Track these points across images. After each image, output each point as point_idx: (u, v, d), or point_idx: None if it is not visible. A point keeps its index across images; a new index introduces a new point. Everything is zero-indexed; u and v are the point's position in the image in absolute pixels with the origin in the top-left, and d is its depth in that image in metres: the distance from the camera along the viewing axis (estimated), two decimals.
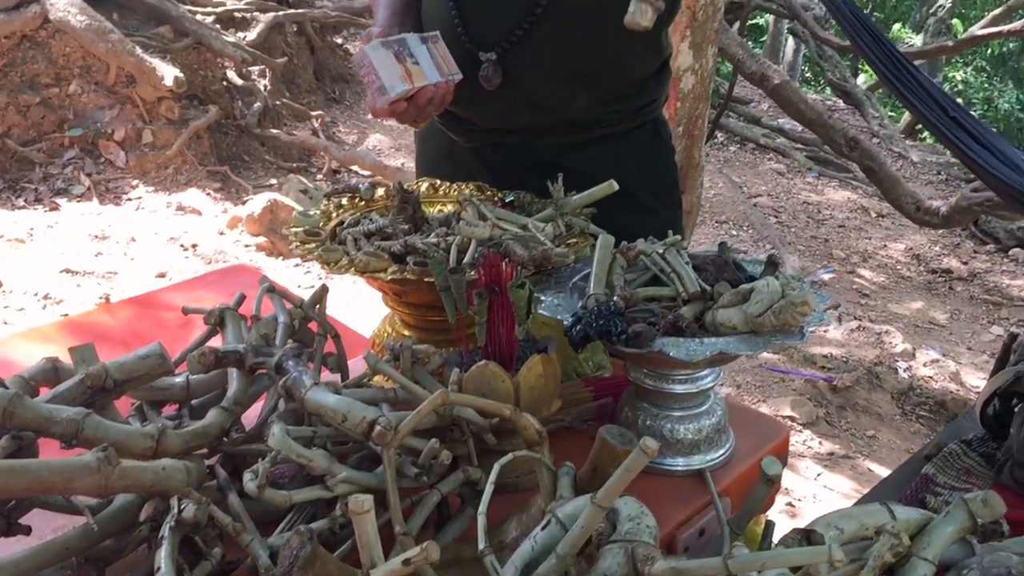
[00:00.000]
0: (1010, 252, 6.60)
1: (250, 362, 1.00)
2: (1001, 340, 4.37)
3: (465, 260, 1.15)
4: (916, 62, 6.40)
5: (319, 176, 5.41)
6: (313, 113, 5.94)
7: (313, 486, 0.89)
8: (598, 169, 1.39)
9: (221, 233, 4.26)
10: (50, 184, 4.60)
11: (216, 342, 1.09)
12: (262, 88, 5.52)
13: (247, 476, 0.86)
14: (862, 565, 0.83)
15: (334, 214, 1.33)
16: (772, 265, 1.14)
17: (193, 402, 1.09)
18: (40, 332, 1.57)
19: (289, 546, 0.72)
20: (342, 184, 1.38)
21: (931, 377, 3.93)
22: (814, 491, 2.98)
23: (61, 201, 4.55)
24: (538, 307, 1.09)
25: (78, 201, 4.59)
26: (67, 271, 3.83)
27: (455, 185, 1.44)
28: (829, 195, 7.88)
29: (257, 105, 5.34)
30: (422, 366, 1.08)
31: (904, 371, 3.95)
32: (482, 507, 0.82)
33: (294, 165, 5.42)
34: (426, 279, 1.10)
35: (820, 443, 3.29)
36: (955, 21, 12.27)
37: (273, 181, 5.08)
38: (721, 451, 1.15)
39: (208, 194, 4.69)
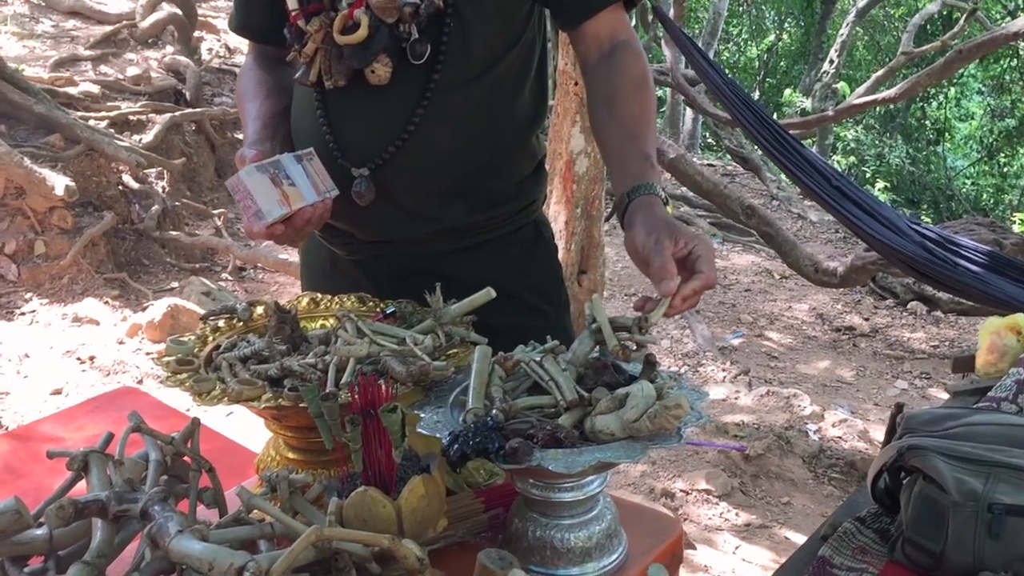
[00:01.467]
0: (908, 305, 6.83)
1: (113, 510, 0.96)
2: (906, 393, 4.46)
3: (343, 380, 1.13)
4: (803, 130, 6.67)
5: (224, 275, 5.33)
6: (215, 212, 5.88)
7: None
8: (481, 274, 1.40)
9: (120, 342, 4.14)
10: None
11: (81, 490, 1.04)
12: (160, 190, 5.45)
13: None
14: None
15: (210, 338, 1.30)
16: (650, 365, 1.15)
17: (60, 553, 1.04)
18: None
19: None
20: (219, 306, 1.35)
21: (840, 437, 4.01)
22: (733, 565, 2.98)
23: None
24: (416, 426, 1.07)
25: None
26: None
27: (336, 298, 1.42)
28: (734, 260, 8.08)
29: (155, 208, 5.26)
30: (301, 496, 1.05)
31: (814, 433, 4.01)
32: None
33: (197, 266, 5.33)
34: (301, 405, 1.07)
35: (737, 514, 3.30)
36: (841, 84, 12.86)
37: (175, 284, 4.98)
38: (614, 556, 1.13)
39: (106, 303, 4.56)
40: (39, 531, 1.01)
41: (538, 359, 1.12)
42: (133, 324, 4.20)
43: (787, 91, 15.21)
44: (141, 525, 1.01)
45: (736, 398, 4.43)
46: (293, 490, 1.04)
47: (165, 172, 5.63)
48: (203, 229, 5.68)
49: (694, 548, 3.04)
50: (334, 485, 1.06)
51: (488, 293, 1.30)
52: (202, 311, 4.12)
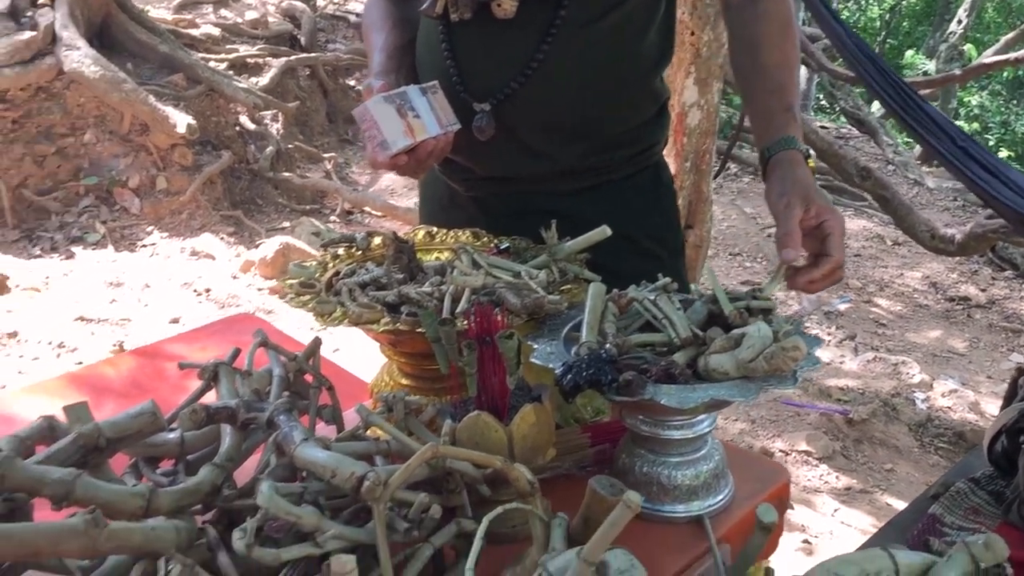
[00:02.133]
0: None
1: (242, 417, 1.01)
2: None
3: (459, 309, 1.15)
4: (927, 91, 6.40)
5: (332, 218, 5.45)
6: (325, 155, 6.00)
7: (304, 543, 0.89)
8: (598, 215, 1.39)
9: (234, 277, 4.29)
10: (66, 232, 4.65)
11: (213, 396, 1.10)
12: (274, 132, 5.58)
13: (236, 535, 0.86)
14: None
15: (330, 265, 1.34)
16: (766, 311, 1.14)
17: (189, 457, 1.10)
18: (44, 386, 1.58)
19: None
20: (339, 234, 1.39)
21: (950, 408, 3.89)
22: (831, 527, 2.94)
23: (76, 249, 4.61)
24: (530, 356, 1.09)
25: (93, 249, 4.64)
26: (82, 319, 3.86)
27: (452, 232, 1.44)
28: (845, 224, 7.85)
29: (270, 149, 5.39)
30: (415, 417, 1.08)
31: (922, 402, 3.90)
32: (469, 563, 0.82)
33: (307, 207, 5.46)
34: (419, 330, 1.10)
35: (837, 478, 3.25)
36: (968, 46, 12.27)
37: (286, 224, 5.12)
38: (720, 497, 1.14)
39: (221, 238, 4.73)
40: (171, 435, 1.06)
41: (652, 297, 1.12)
42: (246, 260, 4.34)
43: (909, 53, 14.61)
44: (266, 434, 1.06)
45: (841, 363, 4.33)
46: (408, 411, 1.07)
47: (279, 115, 5.76)
48: (314, 172, 5.81)
49: (792, 507, 3.01)
50: (447, 409, 1.09)
51: (603, 231, 1.30)
52: (312, 250, 4.24)
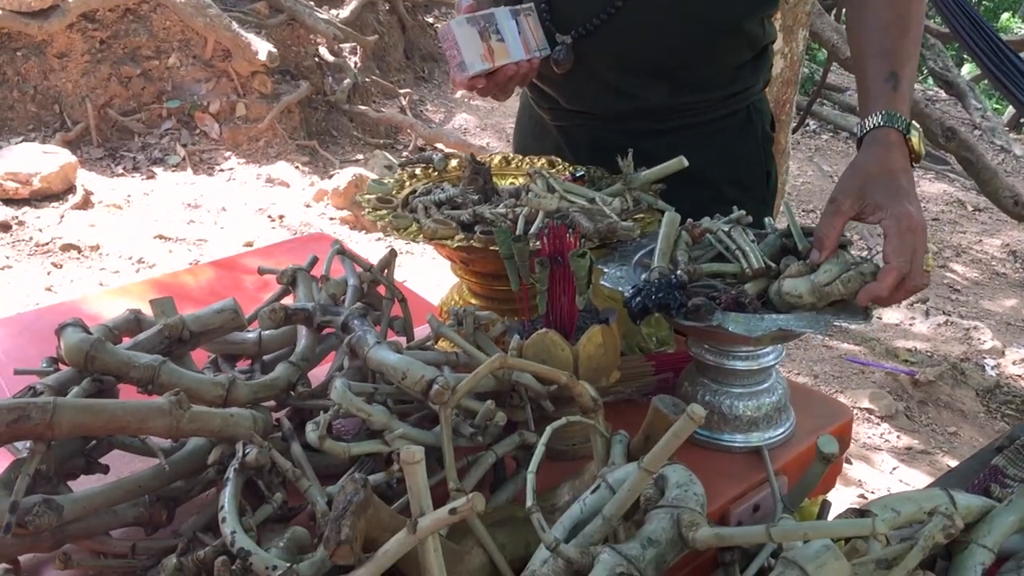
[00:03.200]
0: None
1: (318, 320, 1.04)
2: None
3: (531, 231, 1.16)
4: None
5: (405, 153, 5.48)
6: (401, 91, 6.02)
7: (372, 440, 0.92)
8: (684, 156, 1.33)
9: (307, 206, 4.36)
10: (148, 153, 4.77)
11: (288, 302, 1.13)
12: (352, 65, 5.61)
13: (309, 427, 0.90)
14: (912, 545, 0.82)
15: (407, 183, 1.36)
16: (842, 247, 1.13)
17: (264, 358, 1.14)
18: (128, 290, 1.65)
19: (344, 492, 0.75)
20: (417, 155, 1.41)
21: (1020, 375, 3.81)
22: (888, 484, 2.92)
23: (157, 170, 4.72)
24: (600, 278, 1.10)
25: (173, 171, 4.75)
26: (160, 237, 3.97)
27: (528, 158, 1.45)
28: (924, 187, 7.65)
29: (347, 81, 5.43)
30: (484, 332, 1.10)
31: (992, 368, 3.83)
32: (532, 466, 0.84)
33: (380, 142, 5.50)
34: (491, 248, 1.12)
35: (898, 437, 3.22)
36: None
37: (360, 156, 5.17)
38: (780, 430, 1.14)
39: (296, 167, 4.79)
40: (250, 335, 1.10)
41: (726, 228, 1.12)
42: (320, 190, 4.40)
43: (1005, 15, 14.00)
44: (340, 339, 1.10)
45: (911, 324, 4.26)
46: (478, 325, 1.09)
47: (358, 48, 5.78)
48: (389, 107, 5.83)
49: (850, 463, 2.99)
50: (516, 326, 1.11)
51: (680, 161, 1.29)
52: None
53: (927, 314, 4.55)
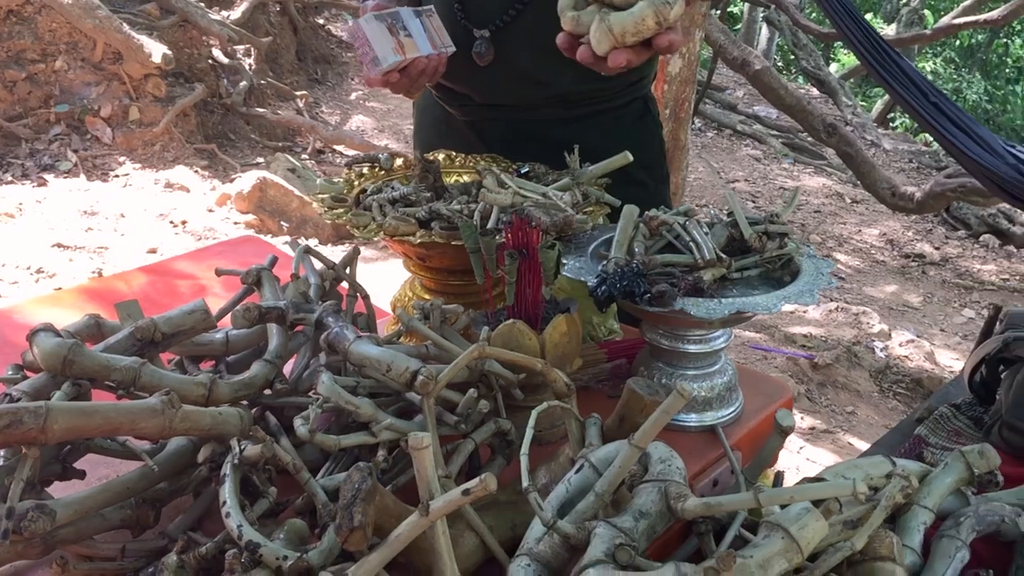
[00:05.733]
0: (980, 238, 6.75)
1: (291, 318, 1.05)
2: (972, 322, 4.47)
3: (488, 226, 1.19)
4: None
5: (304, 156, 5.42)
6: (298, 93, 5.94)
7: (358, 432, 0.94)
8: (590, 144, 1.44)
9: (210, 210, 4.27)
10: (37, 160, 4.58)
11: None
12: (247, 67, 5.52)
13: (298, 422, 0.91)
14: (875, 505, 0.89)
15: (355, 183, 1.38)
16: (782, 233, 1.20)
17: (228, 359, 1.14)
18: (57, 298, 1.61)
19: (350, 481, 0.77)
20: (361, 155, 1.43)
21: (907, 356, 4.04)
22: (797, 463, 3.07)
23: (48, 177, 4.54)
24: (561, 269, 1.14)
25: (65, 177, 4.58)
26: (58, 246, 3.83)
27: (470, 157, 1.48)
28: (805, 181, 7.99)
29: (243, 84, 5.33)
30: (449, 325, 1.13)
31: (881, 351, 4.05)
32: (524, 448, 0.87)
33: (279, 144, 5.43)
34: (453, 242, 1.15)
35: (802, 418, 3.38)
36: (926, 12, 12.44)
37: (260, 160, 5.09)
38: (731, 408, 1.21)
39: (196, 171, 4.69)
40: (217, 335, 1.10)
41: (682, 221, 1.18)
42: (223, 194, 4.31)
43: (867, 16, 14.73)
44: (309, 336, 1.11)
45: (804, 312, 4.46)
46: (444, 319, 1.12)
47: (252, 50, 5.68)
48: (284, 110, 5.76)
49: None
50: (480, 318, 1.14)
51: (625, 156, 1.35)
52: (289, 186, 4.23)
53: (818, 301, 4.76)
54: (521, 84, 1.56)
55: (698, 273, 1.11)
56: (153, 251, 3.83)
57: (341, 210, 1.24)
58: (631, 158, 1.36)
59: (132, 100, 4.81)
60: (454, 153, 1.49)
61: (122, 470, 0.95)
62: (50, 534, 0.84)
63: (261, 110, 5.31)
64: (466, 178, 1.45)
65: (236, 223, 4.12)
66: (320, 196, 1.29)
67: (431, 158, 1.38)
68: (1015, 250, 6.53)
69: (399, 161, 1.44)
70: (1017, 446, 1.24)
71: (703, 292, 1.08)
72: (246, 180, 4.26)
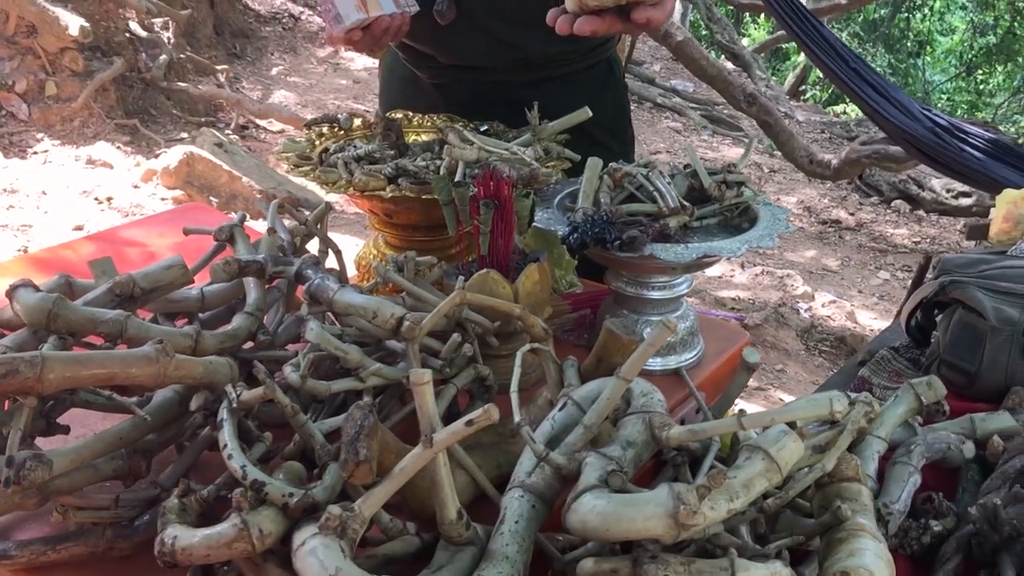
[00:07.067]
0: (892, 203, 6.99)
1: (270, 271, 1.06)
2: (888, 283, 4.64)
3: (456, 180, 1.22)
4: None
5: (227, 131, 5.32)
6: (218, 68, 5.82)
7: (347, 378, 0.96)
8: (556, 105, 1.45)
9: (135, 186, 4.18)
10: None
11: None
12: (166, 41, 5.38)
13: (288, 368, 0.93)
14: (841, 430, 0.95)
15: (317, 142, 1.38)
16: (739, 182, 1.25)
17: (202, 315, 1.14)
18: (5, 267, 1.57)
19: (352, 419, 0.79)
20: (320, 115, 1.43)
21: (829, 316, 4.19)
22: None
23: None
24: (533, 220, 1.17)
25: None
26: None
27: (427, 116, 1.50)
28: (724, 152, 8.15)
29: (163, 58, 5.20)
30: (422, 277, 1.15)
31: (805, 311, 4.19)
32: (514, 386, 0.91)
33: (201, 120, 5.32)
34: (424, 196, 1.17)
35: None
36: None
37: (184, 135, 4.99)
38: (694, 352, 1.26)
39: (118, 147, 4.57)
40: (192, 291, 1.11)
41: (645, 172, 1.22)
42: (148, 169, 4.22)
43: None
44: (283, 292, 1.12)
45: (731, 276, 4.58)
46: (417, 271, 1.14)
47: (170, 23, 5.54)
48: (205, 85, 5.64)
49: None
50: (452, 270, 1.16)
51: (585, 112, 1.38)
52: (217, 160, 4.16)
53: (743, 266, 4.90)
54: (485, 45, 1.57)
55: (664, 220, 1.15)
56: (79, 228, 3.73)
57: (308, 168, 1.25)
58: (590, 113, 1.39)
59: (48, 75, 4.66)
60: (411, 113, 1.50)
61: (98, 428, 0.95)
62: (46, 484, 0.84)
63: (183, 84, 5.19)
64: (425, 137, 1.46)
65: (163, 199, 4.04)
66: (285, 155, 1.29)
67: (392, 117, 1.40)
68: (925, 214, 6.78)
69: (358, 122, 1.45)
70: (955, 382, 1.31)
71: (670, 238, 1.12)
72: (172, 155, 4.17)
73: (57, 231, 3.70)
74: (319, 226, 1.19)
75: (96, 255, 1.73)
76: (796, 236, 6.11)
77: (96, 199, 4.03)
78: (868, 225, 6.49)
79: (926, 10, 13.59)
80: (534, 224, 1.18)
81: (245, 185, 4.15)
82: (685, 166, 1.31)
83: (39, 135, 4.57)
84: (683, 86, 9.76)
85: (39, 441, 0.93)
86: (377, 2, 1.38)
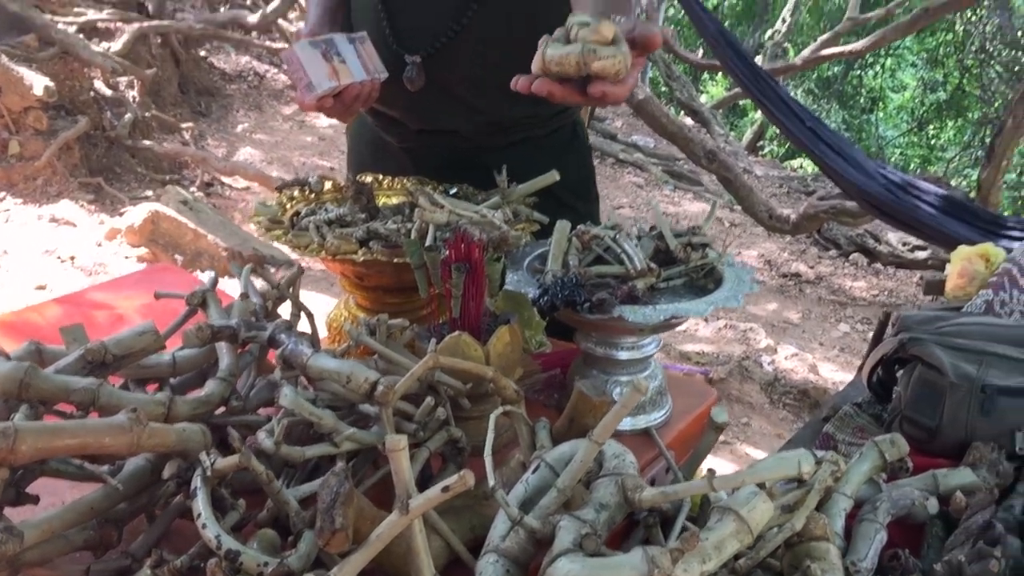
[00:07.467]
0: (850, 257, 7.11)
1: (243, 336, 1.07)
2: (848, 336, 4.70)
3: (427, 243, 1.23)
4: None
5: (193, 188, 5.31)
6: (183, 125, 5.83)
7: (321, 443, 0.96)
8: (523, 169, 1.48)
9: (99, 245, 4.15)
10: None
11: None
12: (131, 99, 5.39)
13: (262, 435, 0.93)
14: (809, 489, 0.96)
15: (288, 205, 1.40)
16: (704, 244, 1.28)
17: (172, 381, 1.14)
18: None
19: (327, 486, 0.80)
20: (291, 179, 1.45)
21: (792, 369, 4.23)
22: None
23: None
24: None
25: None
26: None
27: (398, 179, 1.52)
28: (685, 206, 8.27)
29: (128, 116, 5.21)
30: (394, 340, 1.16)
31: (768, 364, 4.23)
32: (488, 449, 0.91)
33: (166, 177, 5.31)
34: (395, 260, 1.18)
35: None
36: (787, 45, 13.11)
37: (149, 193, 4.97)
38: (662, 411, 1.28)
39: (82, 206, 4.54)
40: (164, 356, 1.11)
41: (612, 234, 1.24)
42: (112, 228, 4.19)
43: None
44: (255, 356, 1.13)
45: (696, 330, 4.63)
46: (389, 334, 1.15)
47: (135, 82, 5.55)
48: (169, 142, 5.64)
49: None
50: (424, 332, 1.18)
51: (552, 175, 1.41)
52: (182, 218, 4.15)
53: (707, 320, 4.95)
54: (454, 111, 1.60)
55: (632, 282, 1.17)
56: (42, 288, 3.69)
57: (280, 231, 1.26)
58: (558, 177, 1.42)
59: (12, 134, 4.64)
60: (381, 176, 1.52)
61: (68, 498, 0.94)
62: (16, 557, 0.83)
63: (148, 142, 5.19)
64: (395, 200, 1.48)
65: (127, 257, 4.01)
66: (257, 219, 1.30)
67: (363, 180, 1.42)
68: (882, 267, 6.90)
69: (328, 184, 1.46)
70: (917, 438, 1.33)
71: (638, 300, 1.14)
72: (137, 213, 4.15)
73: (19, 291, 3.66)
74: (291, 289, 1.20)
75: (63, 318, 1.72)
76: (759, 289, 6.19)
77: (59, 258, 3.99)
78: (827, 278, 6.59)
79: (878, 68, 13.95)
80: (505, 286, 1.20)
81: (211, 243, 4.14)
82: (651, 228, 1.34)
83: (1, 194, 4.54)
84: (644, 141, 9.92)
85: (8, 512, 0.92)
86: (348, 69, 1.40)
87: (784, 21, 12.94)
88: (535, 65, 1.05)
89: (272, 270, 4.35)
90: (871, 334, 5.09)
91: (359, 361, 1.08)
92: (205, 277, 1.22)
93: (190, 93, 6.77)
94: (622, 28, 1.00)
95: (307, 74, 1.36)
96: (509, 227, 1.31)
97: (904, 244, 6.68)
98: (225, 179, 5.56)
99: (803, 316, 5.73)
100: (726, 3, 16.71)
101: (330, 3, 1.59)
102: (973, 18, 10.73)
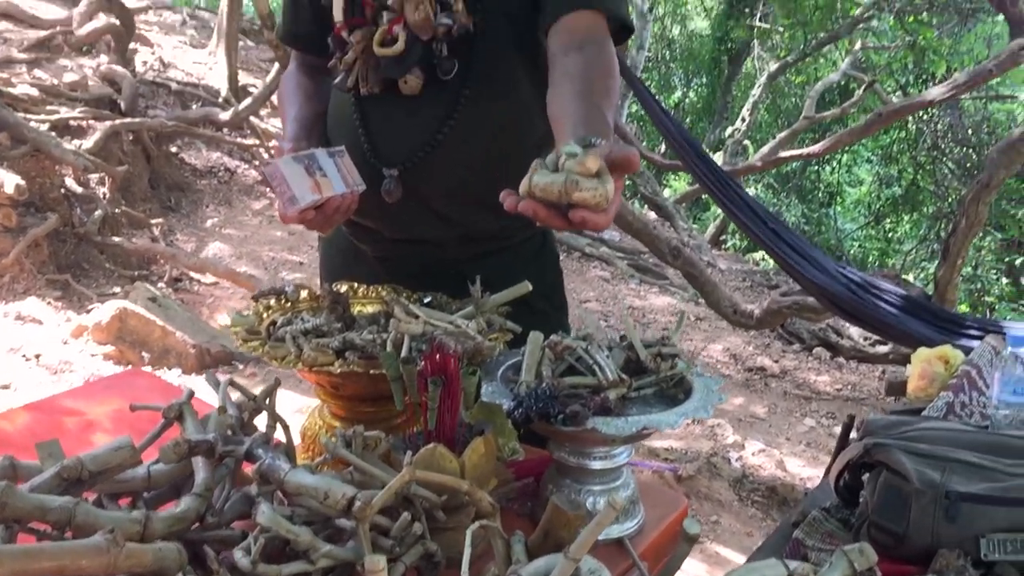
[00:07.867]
0: (813, 351, 7.20)
1: (220, 451, 1.07)
2: (814, 430, 4.73)
3: (403, 355, 1.25)
4: None
5: (161, 284, 5.31)
6: (153, 221, 5.85)
7: (299, 561, 0.96)
8: (495, 277, 1.51)
9: (65, 343, 4.11)
10: None
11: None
12: (101, 196, 5.41)
13: (238, 553, 0.93)
14: None
15: (264, 315, 1.42)
16: (673, 354, 1.31)
17: (146, 495, 1.14)
18: None
19: None
20: (267, 288, 1.47)
21: (760, 465, 4.25)
22: None
23: None
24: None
25: None
26: None
27: (373, 288, 1.55)
28: (651, 300, 8.36)
29: (98, 213, 5.22)
30: (370, 451, 1.17)
31: (736, 460, 4.25)
32: (464, 565, 0.92)
33: (135, 273, 5.30)
34: (371, 371, 1.20)
35: None
36: (747, 143, 13.49)
37: (116, 289, 4.96)
38: (635, 521, 1.29)
39: (49, 303, 4.52)
40: (139, 471, 1.11)
41: (584, 345, 1.27)
42: (79, 325, 4.17)
43: None
44: (231, 469, 1.13)
45: None
46: (365, 446, 1.16)
47: (106, 179, 5.59)
48: (139, 238, 5.65)
49: None
50: (399, 443, 1.19)
51: (524, 286, 1.44)
52: (150, 315, 4.14)
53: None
54: (430, 222, 1.63)
55: (604, 393, 1.20)
56: (6, 387, 3.64)
57: (256, 343, 1.28)
58: (530, 287, 1.45)
59: None
60: (356, 284, 1.55)
61: None
62: None
63: (117, 239, 5.20)
64: (370, 308, 1.51)
65: (94, 355, 3.98)
66: (234, 329, 1.32)
67: (338, 289, 1.44)
68: (844, 361, 6.99)
69: (304, 293, 1.49)
70: (884, 543, 1.35)
71: (611, 411, 1.17)
72: (104, 311, 4.14)
73: None
74: (268, 401, 1.21)
75: (33, 424, 1.71)
76: (724, 384, 6.22)
77: (24, 356, 3.95)
78: (792, 372, 6.66)
79: (835, 163, 14.33)
80: (481, 398, 1.21)
81: (179, 339, 4.12)
82: (621, 337, 1.37)
83: None
84: (610, 235, 10.07)
85: None
86: (329, 183, 1.44)
87: (744, 120, 13.34)
88: (522, 187, 1.09)
89: (240, 367, 4.33)
90: (837, 428, 5.13)
91: (335, 474, 1.09)
92: (181, 383, 1.23)
93: (160, 188, 6.81)
94: (599, 151, 1.04)
95: (291, 188, 1.39)
96: (483, 337, 1.33)
97: (866, 339, 6.79)
98: (194, 274, 5.56)
99: (769, 410, 5.76)
100: (687, 100, 17.20)
101: (307, 118, 1.64)
102: (925, 116, 11.12)
